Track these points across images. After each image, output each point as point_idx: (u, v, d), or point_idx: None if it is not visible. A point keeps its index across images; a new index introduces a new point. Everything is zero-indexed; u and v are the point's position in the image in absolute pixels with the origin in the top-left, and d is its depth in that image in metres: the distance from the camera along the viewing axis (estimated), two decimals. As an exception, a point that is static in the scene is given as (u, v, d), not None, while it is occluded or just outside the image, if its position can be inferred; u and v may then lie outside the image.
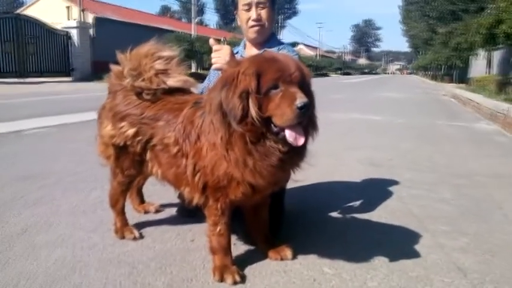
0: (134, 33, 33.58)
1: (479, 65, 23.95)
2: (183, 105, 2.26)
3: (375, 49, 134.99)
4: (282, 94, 1.76)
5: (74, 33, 25.11)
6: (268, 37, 2.81)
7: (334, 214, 3.10)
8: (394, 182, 3.97)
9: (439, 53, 31.01)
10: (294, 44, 73.80)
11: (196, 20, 34.97)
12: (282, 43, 2.88)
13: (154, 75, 2.30)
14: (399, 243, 2.58)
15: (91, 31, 27.25)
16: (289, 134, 1.78)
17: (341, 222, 2.97)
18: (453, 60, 26.39)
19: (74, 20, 26.62)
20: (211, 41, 2.53)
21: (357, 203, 3.35)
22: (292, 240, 2.46)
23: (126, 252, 2.37)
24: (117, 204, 2.61)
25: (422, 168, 4.62)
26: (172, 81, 2.31)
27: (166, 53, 2.37)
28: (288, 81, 1.77)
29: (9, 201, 3.20)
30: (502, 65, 19.05)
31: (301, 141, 1.78)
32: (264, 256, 2.34)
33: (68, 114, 8.70)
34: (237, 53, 2.93)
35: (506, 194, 3.69)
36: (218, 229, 2.12)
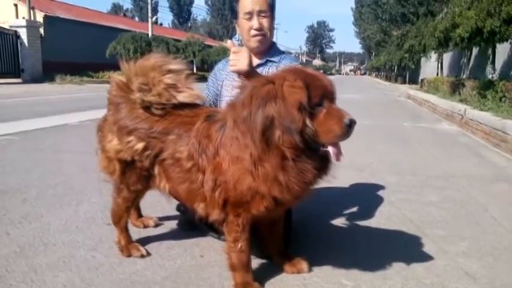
0: (87, 32, 32.58)
1: (429, 67, 25.04)
2: (194, 119, 2.20)
3: (328, 50, 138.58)
4: (327, 111, 1.76)
5: (23, 33, 23.82)
6: (269, 46, 2.78)
7: (335, 222, 3.13)
8: (381, 187, 4.06)
9: (393, 55, 32.18)
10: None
11: (153, 19, 34.25)
12: (283, 52, 2.87)
13: (164, 90, 2.21)
14: (405, 250, 2.64)
15: (41, 30, 25.98)
16: (332, 151, 1.78)
17: (344, 230, 3.00)
18: (405, 61, 27.44)
19: (23, 18, 25.25)
20: (230, 43, 2.47)
21: (353, 210, 3.39)
22: (301, 252, 2.45)
23: (137, 272, 2.27)
24: (120, 221, 2.49)
25: (403, 171, 4.76)
26: (183, 97, 2.23)
27: (175, 66, 2.29)
28: (330, 98, 1.77)
29: (-9, 219, 2.98)
30: (452, 67, 20.04)
31: (341, 157, 1.78)
32: (279, 269, 2.32)
33: (25, 119, 8.26)
34: (237, 61, 2.88)
35: (487, 196, 3.87)
36: (239, 245, 2.07)
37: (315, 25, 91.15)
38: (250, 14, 2.66)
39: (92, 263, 2.37)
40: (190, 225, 2.87)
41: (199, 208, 2.16)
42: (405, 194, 3.82)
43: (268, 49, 2.78)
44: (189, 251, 2.55)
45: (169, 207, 3.08)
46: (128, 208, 2.48)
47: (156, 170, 2.28)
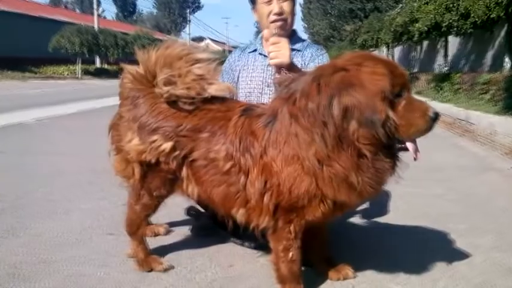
0: (27, 25, 30.40)
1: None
2: (228, 114, 1.95)
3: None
4: (408, 102, 1.56)
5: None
6: (290, 33, 2.56)
7: (351, 220, 2.98)
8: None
9: (344, 50, 32.87)
10: (201, 39, 72.86)
11: (99, 12, 32.66)
12: (304, 40, 2.66)
13: (193, 82, 1.94)
14: (437, 247, 2.53)
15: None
16: (412, 147, 1.59)
17: (365, 229, 2.86)
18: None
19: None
20: (267, 33, 2.23)
21: (368, 206, 3.26)
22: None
23: (167, 290, 1.99)
24: (138, 231, 2.20)
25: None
26: (214, 90, 1.97)
27: (204, 55, 2.02)
28: (408, 88, 1.58)
29: (-31, 235, 2.55)
30: (402, 61, 20.73)
31: (419, 155, 1.61)
32: (321, 276, 2.13)
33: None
34: (254, 50, 2.65)
35: (484, 186, 3.90)
36: (290, 255, 1.86)
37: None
38: None
39: (109, 282, 2.05)
40: (206, 230, 2.62)
41: (239, 214, 1.92)
42: (410, 188, 3.73)
43: (289, 36, 2.55)
44: (215, 261, 2.30)
45: (175, 211, 2.81)
46: (147, 216, 2.20)
47: (184, 172, 2.00)
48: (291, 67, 2.10)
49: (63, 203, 3.20)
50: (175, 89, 1.92)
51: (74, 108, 10.22)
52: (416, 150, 1.63)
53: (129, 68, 2.10)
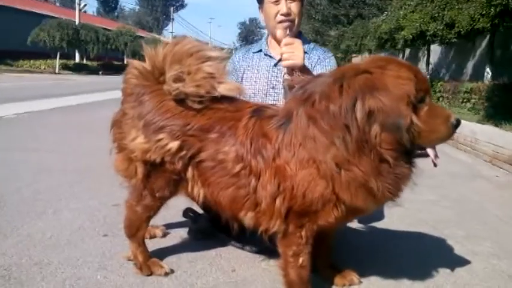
0: (8, 18, 29.53)
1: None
2: (238, 114, 1.89)
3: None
4: (430, 109, 1.54)
5: None
6: (296, 35, 2.52)
7: (352, 225, 2.95)
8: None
9: (329, 54, 33.12)
10: (184, 38, 72.01)
11: (81, 6, 32.04)
12: (310, 42, 2.63)
13: (203, 79, 1.87)
14: (437, 253, 2.53)
15: None
16: (432, 153, 1.57)
17: (367, 235, 2.84)
18: (338, 61, 28.38)
19: None
20: (281, 33, 2.17)
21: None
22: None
23: (169, 295, 1.91)
24: (138, 233, 2.11)
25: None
26: (224, 89, 1.90)
27: (215, 53, 1.95)
28: (430, 94, 1.56)
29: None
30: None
31: (439, 161, 1.58)
32: (326, 282, 2.09)
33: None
34: (259, 51, 2.60)
35: (475, 193, 3.96)
36: (300, 260, 1.81)
37: (247, 22, 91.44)
38: None
39: (108, 286, 1.96)
40: (204, 233, 2.54)
41: (247, 218, 1.87)
42: (404, 193, 3.76)
43: (296, 38, 2.51)
44: (217, 265, 2.23)
45: (169, 213, 2.71)
46: (148, 218, 2.11)
47: (190, 173, 1.93)
48: (303, 69, 2.05)
49: (52, 202, 3.07)
50: (185, 87, 1.85)
51: (54, 103, 9.95)
52: (436, 156, 1.61)
53: (135, 63, 2.02)
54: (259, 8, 2.52)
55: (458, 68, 13.07)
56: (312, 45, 2.57)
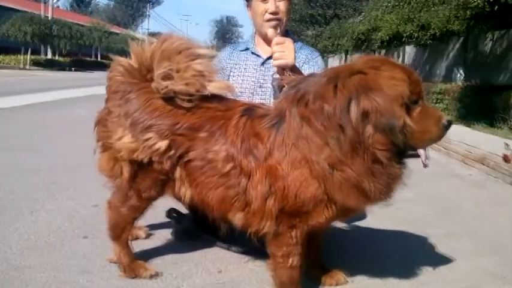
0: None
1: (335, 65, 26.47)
2: (228, 113, 1.87)
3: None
4: (422, 110, 1.55)
5: None
6: (283, 34, 2.50)
7: (335, 224, 2.96)
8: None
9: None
10: (159, 34, 71.02)
11: (54, 1, 31.17)
12: (297, 41, 2.61)
13: (193, 77, 1.83)
14: (421, 251, 2.57)
15: None
16: (423, 154, 1.58)
17: (349, 233, 2.85)
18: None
19: None
20: (271, 32, 2.14)
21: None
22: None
23: (156, 298, 1.87)
24: (122, 235, 2.05)
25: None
26: (214, 88, 1.88)
27: (204, 50, 1.92)
28: (422, 96, 1.57)
29: None
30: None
31: (429, 162, 1.60)
32: (313, 282, 2.09)
33: None
34: (246, 49, 2.57)
35: (450, 192, 4.05)
36: (290, 261, 1.79)
37: (224, 20, 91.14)
38: None
39: (93, 289, 1.90)
40: (188, 234, 2.50)
41: (236, 218, 1.84)
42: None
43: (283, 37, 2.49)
44: (202, 267, 2.19)
45: (152, 213, 2.64)
46: (134, 219, 2.06)
47: (178, 173, 1.89)
48: (294, 68, 2.04)
49: (28, 202, 2.96)
50: (174, 85, 1.81)
51: (26, 100, 9.63)
52: (426, 157, 1.63)
53: (120, 60, 1.96)
54: (247, 5, 2.50)
55: (431, 69, 13.39)
56: (299, 44, 2.56)
